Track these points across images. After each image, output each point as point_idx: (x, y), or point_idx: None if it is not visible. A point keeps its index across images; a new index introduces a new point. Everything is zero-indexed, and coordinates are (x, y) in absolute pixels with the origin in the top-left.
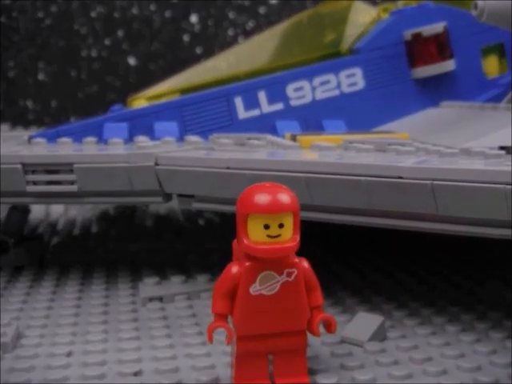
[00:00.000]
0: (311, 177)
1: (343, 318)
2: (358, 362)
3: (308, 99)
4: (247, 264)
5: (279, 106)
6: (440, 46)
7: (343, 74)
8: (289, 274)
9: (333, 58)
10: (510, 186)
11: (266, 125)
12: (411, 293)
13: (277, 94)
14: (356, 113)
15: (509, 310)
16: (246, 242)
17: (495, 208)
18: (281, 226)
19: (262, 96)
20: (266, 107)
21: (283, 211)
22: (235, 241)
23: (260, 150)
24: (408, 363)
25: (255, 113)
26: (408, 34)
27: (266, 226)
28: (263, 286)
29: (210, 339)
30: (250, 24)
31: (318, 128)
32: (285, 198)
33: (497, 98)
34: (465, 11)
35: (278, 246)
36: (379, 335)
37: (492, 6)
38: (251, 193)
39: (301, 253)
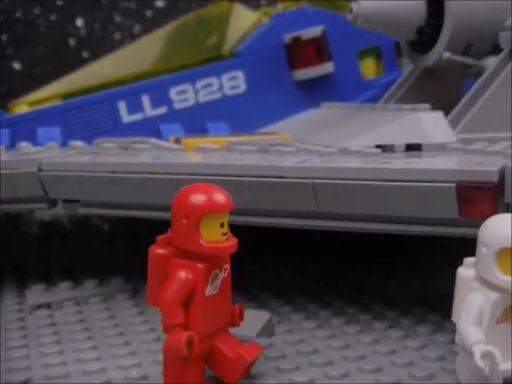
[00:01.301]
0: (196, 179)
1: None
2: None
3: (191, 102)
4: (201, 266)
5: (163, 110)
6: (318, 49)
7: (225, 77)
8: (225, 270)
9: (215, 61)
10: (387, 183)
11: (150, 128)
12: (298, 289)
13: (160, 98)
14: (239, 115)
15: (390, 302)
16: (203, 242)
17: (373, 204)
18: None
19: (145, 100)
20: (150, 111)
21: (232, 208)
22: (153, 246)
23: (144, 154)
24: (295, 356)
25: (139, 116)
26: (287, 37)
27: (222, 225)
28: (212, 286)
29: (185, 351)
30: (137, 28)
31: (202, 130)
32: (227, 196)
33: (374, 99)
34: (341, 15)
35: (231, 242)
36: (267, 330)
37: (366, 11)
38: (199, 193)
39: None
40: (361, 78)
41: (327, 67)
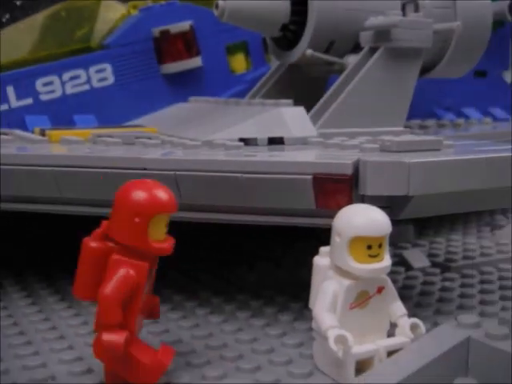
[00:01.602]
0: (59, 170)
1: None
2: None
3: (58, 94)
4: (145, 265)
5: (28, 101)
6: (187, 44)
7: (93, 69)
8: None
9: (83, 52)
10: (246, 175)
11: (15, 120)
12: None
13: (26, 89)
14: (107, 107)
15: (254, 291)
16: (151, 242)
17: (234, 195)
18: None
19: (10, 90)
20: (15, 102)
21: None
22: (88, 239)
23: (8, 145)
24: None
25: (4, 107)
26: (156, 30)
27: (166, 225)
28: (148, 283)
29: (122, 352)
30: (7, 16)
31: (70, 123)
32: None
33: (242, 94)
34: (210, 10)
35: (171, 240)
36: None
37: (232, 7)
38: (151, 192)
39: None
40: (229, 72)
41: (196, 61)
